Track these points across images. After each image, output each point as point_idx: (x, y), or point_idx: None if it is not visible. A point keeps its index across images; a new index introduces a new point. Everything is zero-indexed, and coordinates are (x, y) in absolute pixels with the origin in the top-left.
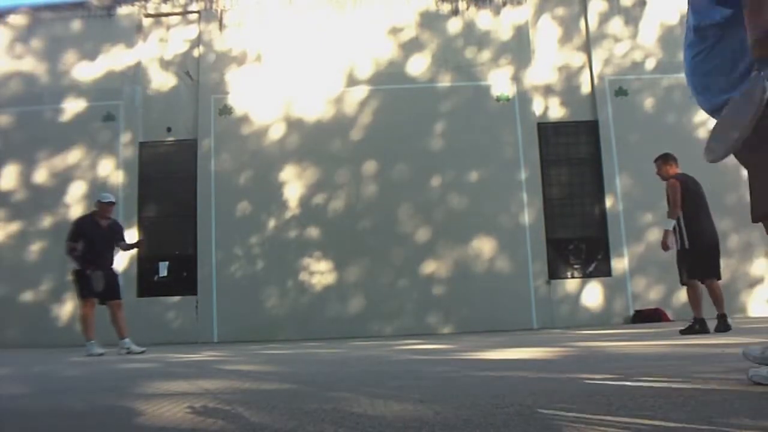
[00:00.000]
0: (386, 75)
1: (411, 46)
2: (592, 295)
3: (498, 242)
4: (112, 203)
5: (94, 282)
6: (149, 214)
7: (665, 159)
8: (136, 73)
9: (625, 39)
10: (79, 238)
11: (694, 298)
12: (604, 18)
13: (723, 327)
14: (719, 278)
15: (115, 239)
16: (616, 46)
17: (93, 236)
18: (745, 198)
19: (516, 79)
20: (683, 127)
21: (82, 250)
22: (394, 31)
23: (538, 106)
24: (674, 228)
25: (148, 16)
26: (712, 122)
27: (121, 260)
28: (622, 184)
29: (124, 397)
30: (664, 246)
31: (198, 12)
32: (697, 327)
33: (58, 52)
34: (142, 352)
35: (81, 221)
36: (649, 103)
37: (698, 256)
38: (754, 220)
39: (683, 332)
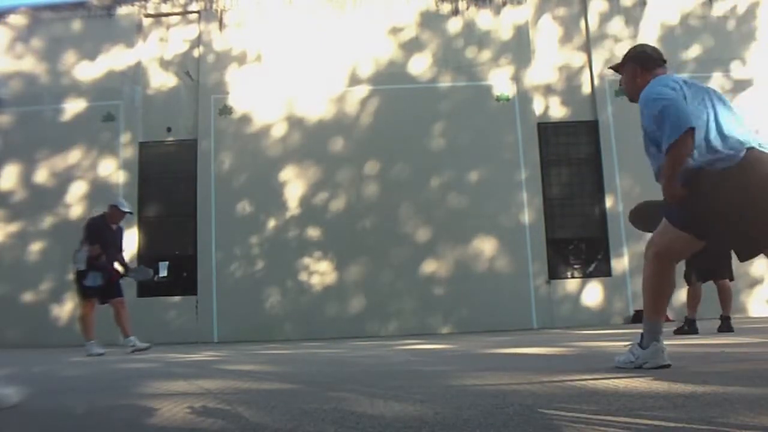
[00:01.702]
0: (386, 75)
1: (411, 46)
2: (592, 295)
3: (498, 242)
4: (127, 213)
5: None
6: (149, 214)
7: None
8: (136, 73)
9: (626, 39)
10: (96, 241)
11: (693, 298)
12: (605, 18)
13: (726, 328)
14: (732, 279)
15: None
16: (616, 46)
17: (105, 238)
18: None
19: (516, 79)
20: None
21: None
22: (394, 31)
23: (538, 106)
24: None
25: (148, 16)
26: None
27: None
28: (622, 184)
29: (124, 397)
30: None
31: (198, 12)
32: (686, 328)
33: (58, 52)
34: (147, 348)
35: (94, 223)
36: None
37: (711, 257)
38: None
39: (676, 332)
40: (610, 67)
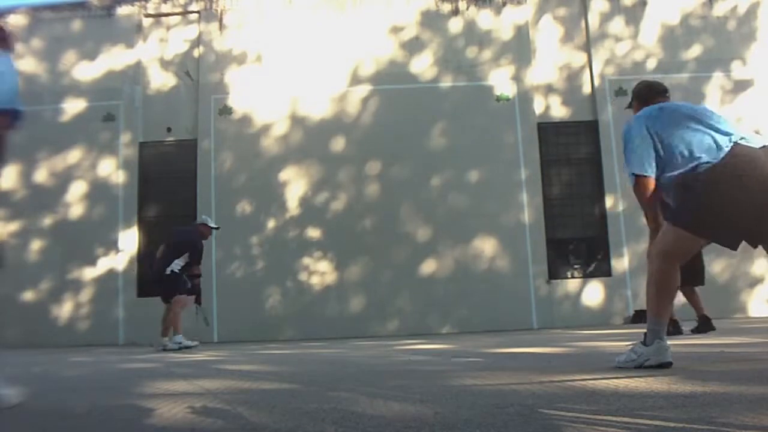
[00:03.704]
0: (386, 75)
1: (411, 46)
2: (592, 295)
3: (498, 242)
4: (214, 229)
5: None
6: (149, 214)
7: None
8: (136, 73)
9: (626, 39)
10: (199, 260)
11: (690, 299)
12: (605, 18)
13: (707, 327)
14: (702, 284)
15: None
16: (616, 45)
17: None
18: None
19: (516, 78)
20: None
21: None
22: (395, 30)
23: (538, 106)
24: None
25: (148, 16)
26: None
27: (121, 260)
28: (622, 184)
29: (124, 397)
30: None
31: (198, 12)
32: (701, 326)
33: (58, 52)
34: (195, 346)
35: (195, 240)
36: None
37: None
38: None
39: (694, 331)
40: (627, 108)
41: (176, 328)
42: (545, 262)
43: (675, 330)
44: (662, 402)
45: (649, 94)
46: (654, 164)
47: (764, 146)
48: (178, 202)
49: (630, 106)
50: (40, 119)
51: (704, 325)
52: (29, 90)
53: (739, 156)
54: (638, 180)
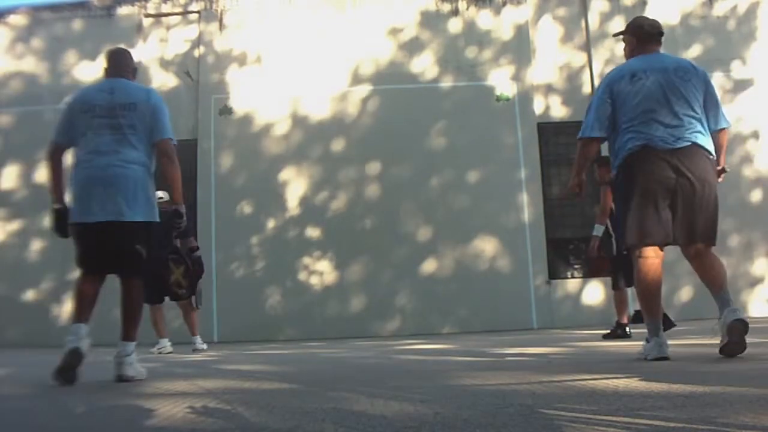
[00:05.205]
0: (386, 75)
1: (411, 46)
2: (593, 295)
3: (498, 242)
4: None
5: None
6: None
7: (602, 162)
8: (137, 73)
9: None
10: None
11: (621, 303)
12: (605, 18)
13: (667, 324)
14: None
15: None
16: (616, 45)
17: None
18: (746, 198)
19: (516, 78)
20: None
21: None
22: (395, 31)
23: (538, 106)
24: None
25: (148, 16)
26: None
27: None
28: None
29: (124, 397)
30: (591, 252)
31: (198, 12)
32: (619, 332)
33: (58, 52)
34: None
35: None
36: None
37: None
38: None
39: (606, 337)
40: (615, 34)
41: (195, 329)
42: (545, 262)
43: (623, 333)
44: (662, 402)
45: (643, 35)
46: None
47: (671, 149)
48: None
49: (619, 35)
50: (40, 119)
51: (622, 331)
52: (29, 90)
53: (636, 156)
54: (582, 142)
